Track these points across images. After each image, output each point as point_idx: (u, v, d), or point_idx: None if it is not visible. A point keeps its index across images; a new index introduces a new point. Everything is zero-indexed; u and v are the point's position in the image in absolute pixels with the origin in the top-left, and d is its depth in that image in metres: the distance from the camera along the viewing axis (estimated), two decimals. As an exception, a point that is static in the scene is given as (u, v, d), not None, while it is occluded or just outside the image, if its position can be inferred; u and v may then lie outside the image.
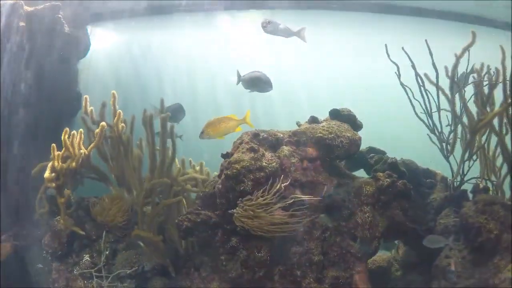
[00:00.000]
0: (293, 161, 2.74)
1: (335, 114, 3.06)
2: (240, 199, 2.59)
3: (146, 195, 3.24)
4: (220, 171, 2.86)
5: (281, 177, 2.60)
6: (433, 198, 3.58)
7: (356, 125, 3.16)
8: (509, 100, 3.22)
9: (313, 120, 3.03)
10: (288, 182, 2.63)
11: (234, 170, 2.59)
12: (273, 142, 2.81)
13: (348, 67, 9.05)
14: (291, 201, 2.57)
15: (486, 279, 2.99)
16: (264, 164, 2.61)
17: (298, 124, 3.03)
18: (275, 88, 3.24)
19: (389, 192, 2.91)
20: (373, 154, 3.65)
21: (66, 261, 3.60)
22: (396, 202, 2.94)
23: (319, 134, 2.80)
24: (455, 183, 3.57)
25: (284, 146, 2.79)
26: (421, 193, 3.61)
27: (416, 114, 3.59)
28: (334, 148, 2.81)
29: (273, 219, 2.56)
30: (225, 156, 2.85)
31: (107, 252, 3.43)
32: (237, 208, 2.60)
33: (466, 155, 3.62)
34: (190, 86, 8.63)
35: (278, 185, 2.56)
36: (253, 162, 2.60)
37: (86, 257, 3.49)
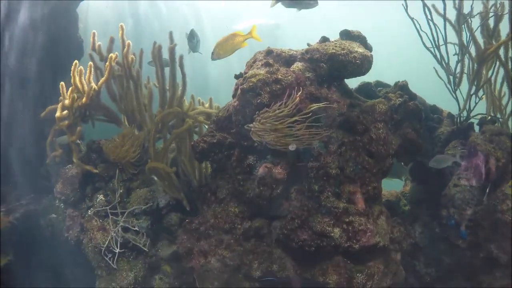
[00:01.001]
0: (308, 75, 2.74)
1: (346, 34, 3.07)
2: (257, 112, 2.60)
3: (158, 130, 3.24)
4: (234, 90, 2.86)
5: (297, 90, 2.60)
6: (440, 131, 3.64)
7: (366, 45, 3.15)
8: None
9: (324, 39, 3.03)
10: (304, 96, 2.64)
11: (251, 83, 2.60)
12: (286, 59, 2.81)
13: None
14: (310, 111, 2.56)
15: (494, 205, 3.10)
16: (280, 76, 2.62)
17: (309, 45, 3.04)
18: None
19: (401, 111, 2.95)
20: (380, 88, 3.64)
21: (79, 207, 3.61)
22: (408, 122, 2.98)
23: (332, 51, 2.80)
24: (461, 118, 3.65)
25: (298, 62, 2.80)
26: (428, 127, 3.67)
27: (424, 44, 3.60)
28: (347, 64, 2.81)
29: (290, 132, 2.57)
30: (239, 76, 2.85)
31: (121, 191, 3.42)
32: (254, 122, 2.61)
33: (473, 89, 3.71)
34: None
35: (296, 98, 2.56)
36: (269, 75, 2.61)
37: (100, 197, 3.48)
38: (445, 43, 3.60)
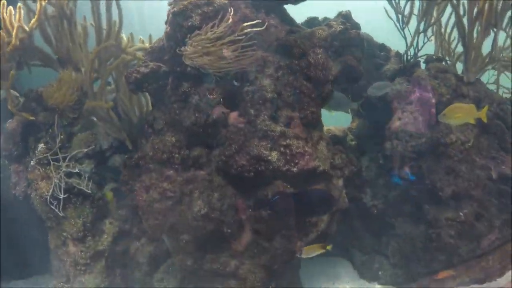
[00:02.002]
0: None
1: None
2: (188, 36, 2.52)
3: (95, 69, 3.10)
4: (167, 16, 2.76)
5: (231, 13, 2.52)
6: (386, 68, 3.67)
7: None
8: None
9: None
10: (238, 19, 2.57)
11: (181, 6, 2.51)
12: (220, -18, 2.73)
13: None
14: (243, 33, 2.49)
15: (438, 138, 3.18)
16: (212, -2, 2.54)
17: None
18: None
19: (342, 38, 2.94)
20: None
21: (23, 161, 3.45)
22: (349, 49, 2.98)
23: None
24: (408, 56, 3.64)
25: None
26: (375, 64, 3.70)
27: None
28: None
29: (223, 54, 2.51)
30: (172, 3, 2.75)
31: (61, 136, 3.28)
32: (185, 46, 2.53)
33: (422, 26, 3.71)
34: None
35: (229, 19, 2.49)
36: (200, -3, 2.52)
37: (41, 145, 3.33)
38: None
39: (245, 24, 2.48)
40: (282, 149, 2.58)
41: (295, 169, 2.56)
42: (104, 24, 3.10)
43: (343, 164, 2.89)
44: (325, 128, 3.73)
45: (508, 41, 3.54)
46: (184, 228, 2.79)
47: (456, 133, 3.15)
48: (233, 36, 2.49)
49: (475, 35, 3.35)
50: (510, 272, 3.25)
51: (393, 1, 3.58)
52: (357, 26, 3.22)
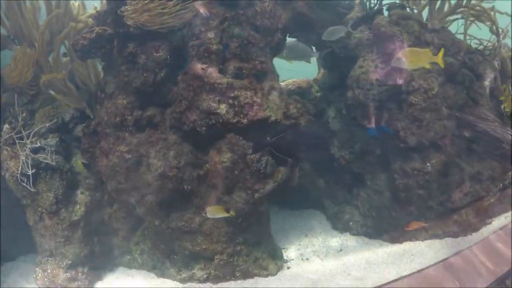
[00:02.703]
0: None
1: None
2: (127, -5, 2.50)
3: (48, 42, 3.09)
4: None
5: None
6: (349, 17, 3.54)
7: None
8: None
9: None
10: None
11: (114, -37, 2.47)
12: None
13: None
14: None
15: (400, 86, 3.06)
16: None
17: None
18: None
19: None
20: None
21: (-10, 147, 3.50)
22: (301, -3, 2.89)
23: None
24: (371, 4, 3.52)
25: None
26: (338, 13, 3.57)
27: None
28: None
29: (163, 10, 2.48)
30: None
31: (23, 114, 3.32)
32: (126, 6, 2.51)
33: None
34: None
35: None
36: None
37: (6, 126, 3.38)
38: None
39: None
40: (230, 101, 2.57)
41: (245, 121, 2.57)
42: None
43: (299, 113, 2.87)
44: (290, 79, 3.73)
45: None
46: (146, 189, 2.85)
47: (419, 81, 3.04)
48: (169, -10, 2.44)
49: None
50: (486, 227, 3.24)
51: None
52: None
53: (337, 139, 3.46)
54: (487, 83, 3.37)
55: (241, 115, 2.57)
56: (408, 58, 2.63)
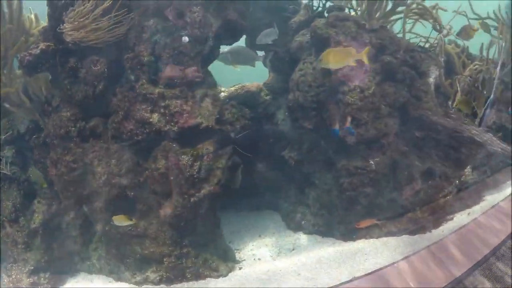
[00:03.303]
0: None
1: None
2: (64, 13, 2.62)
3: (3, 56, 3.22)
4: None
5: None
6: (293, 21, 3.65)
7: None
8: None
9: None
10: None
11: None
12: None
13: None
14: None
15: (335, 86, 3.13)
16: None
17: None
18: None
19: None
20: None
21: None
22: (232, 5, 2.96)
23: None
24: (314, 7, 3.62)
25: None
26: (283, 18, 3.69)
27: None
28: None
29: (97, 26, 2.60)
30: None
31: (-20, 129, 3.47)
32: (64, 24, 2.64)
33: None
34: None
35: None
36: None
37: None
38: None
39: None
40: (162, 110, 2.68)
41: (175, 128, 2.67)
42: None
43: (234, 118, 2.96)
44: (240, 84, 3.82)
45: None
46: (94, 196, 2.98)
47: (354, 81, 3.08)
48: (105, 4, 2.56)
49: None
50: (446, 224, 3.25)
51: None
52: None
53: (286, 141, 3.54)
54: (431, 80, 3.39)
55: (172, 123, 2.68)
56: (331, 58, 2.69)
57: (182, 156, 2.70)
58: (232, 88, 3.72)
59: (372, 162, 3.14)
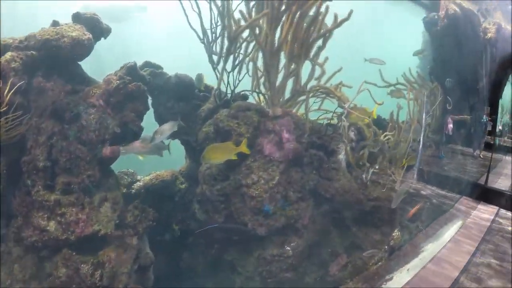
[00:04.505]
0: (14, 65, 2.70)
1: (76, 17, 3.05)
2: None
3: None
4: None
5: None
6: (202, 109, 3.66)
7: (100, 28, 3.12)
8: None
9: (55, 23, 2.97)
10: (8, 87, 2.59)
11: None
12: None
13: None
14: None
15: (239, 179, 3.12)
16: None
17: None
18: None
19: (119, 94, 2.94)
20: (147, 68, 3.65)
21: None
22: (130, 104, 2.97)
23: (47, 37, 2.78)
24: (222, 94, 3.62)
25: (10, 52, 2.76)
26: (193, 105, 3.70)
27: (190, 25, 3.51)
28: (60, 49, 2.78)
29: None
30: None
31: None
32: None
33: (234, 66, 3.51)
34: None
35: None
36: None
37: None
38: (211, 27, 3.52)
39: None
40: (58, 218, 2.63)
41: (72, 237, 2.61)
42: None
43: (137, 221, 2.90)
44: (154, 173, 3.76)
45: (319, 70, 3.53)
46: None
47: (258, 172, 3.06)
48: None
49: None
50: (385, 285, 3.22)
51: (204, 41, 3.57)
52: (141, 78, 3.22)
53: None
54: (341, 156, 3.52)
55: (69, 232, 2.61)
56: (211, 154, 2.71)
57: (82, 265, 2.62)
58: (147, 178, 3.66)
59: (288, 248, 3.12)
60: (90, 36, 2.97)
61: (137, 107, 2.99)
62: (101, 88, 2.92)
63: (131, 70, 3.16)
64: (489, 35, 6.75)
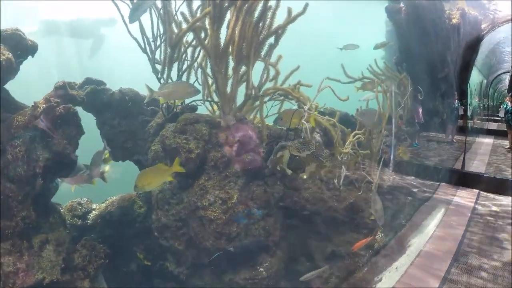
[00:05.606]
0: None
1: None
2: None
3: None
4: None
5: None
6: (150, 125, 3.36)
7: (25, 45, 2.84)
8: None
9: None
10: None
11: None
12: None
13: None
14: None
15: (194, 201, 2.83)
16: None
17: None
18: None
19: (49, 118, 2.57)
20: (87, 86, 3.30)
21: None
22: (61, 130, 2.58)
23: None
24: (170, 107, 3.34)
25: None
26: (141, 122, 3.40)
27: (130, 33, 3.22)
28: None
29: None
30: None
31: None
32: None
33: (180, 75, 3.33)
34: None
35: None
36: None
37: None
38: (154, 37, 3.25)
39: None
40: (-6, 270, 2.22)
41: (15, 290, 2.21)
42: None
43: (85, 262, 2.54)
44: (109, 199, 3.43)
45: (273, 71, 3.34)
46: None
47: (214, 192, 2.77)
48: None
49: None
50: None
51: (148, 52, 3.29)
52: (74, 99, 2.86)
53: (171, 256, 3.15)
54: (309, 165, 3.27)
55: (10, 285, 2.22)
56: (144, 179, 2.45)
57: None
58: (103, 205, 3.33)
59: (261, 269, 2.85)
60: (10, 55, 2.59)
61: (68, 132, 2.61)
62: (26, 115, 2.55)
63: (60, 91, 2.78)
64: (454, 20, 6.70)
